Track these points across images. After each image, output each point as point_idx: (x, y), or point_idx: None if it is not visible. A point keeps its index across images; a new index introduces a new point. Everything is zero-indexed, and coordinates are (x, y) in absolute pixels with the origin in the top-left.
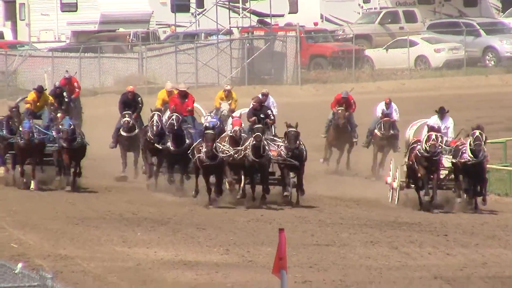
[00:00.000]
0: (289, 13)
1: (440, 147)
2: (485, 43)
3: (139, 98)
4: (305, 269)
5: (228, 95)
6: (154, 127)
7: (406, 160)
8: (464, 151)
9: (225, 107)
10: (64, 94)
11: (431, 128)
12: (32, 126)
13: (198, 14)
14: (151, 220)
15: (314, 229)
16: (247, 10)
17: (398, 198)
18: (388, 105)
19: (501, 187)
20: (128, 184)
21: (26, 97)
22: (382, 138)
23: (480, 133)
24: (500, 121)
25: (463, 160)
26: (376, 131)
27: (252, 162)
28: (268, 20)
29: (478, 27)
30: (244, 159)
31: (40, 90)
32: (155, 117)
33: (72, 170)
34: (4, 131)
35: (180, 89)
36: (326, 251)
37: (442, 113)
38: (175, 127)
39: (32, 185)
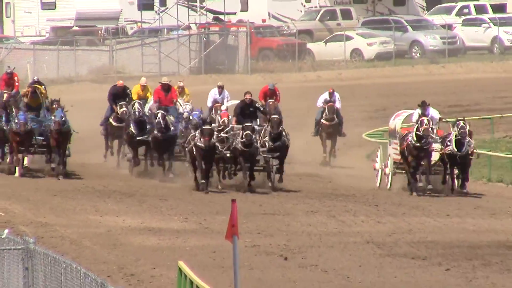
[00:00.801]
0: (240, 11)
1: (432, 131)
2: (412, 38)
3: (128, 90)
4: (254, 235)
5: (181, 92)
6: (137, 113)
7: (394, 148)
8: (449, 143)
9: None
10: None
11: (421, 115)
12: (26, 117)
13: (161, 12)
14: (119, 192)
15: (262, 200)
16: (204, 9)
17: (390, 183)
18: (331, 94)
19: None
20: (99, 162)
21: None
22: (329, 126)
23: (464, 123)
24: None
25: (447, 151)
26: (322, 120)
27: (242, 151)
28: (222, 17)
29: (406, 24)
30: (235, 149)
31: (39, 84)
32: (136, 105)
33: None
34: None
35: (163, 82)
36: (272, 219)
37: (423, 106)
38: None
39: (17, 173)
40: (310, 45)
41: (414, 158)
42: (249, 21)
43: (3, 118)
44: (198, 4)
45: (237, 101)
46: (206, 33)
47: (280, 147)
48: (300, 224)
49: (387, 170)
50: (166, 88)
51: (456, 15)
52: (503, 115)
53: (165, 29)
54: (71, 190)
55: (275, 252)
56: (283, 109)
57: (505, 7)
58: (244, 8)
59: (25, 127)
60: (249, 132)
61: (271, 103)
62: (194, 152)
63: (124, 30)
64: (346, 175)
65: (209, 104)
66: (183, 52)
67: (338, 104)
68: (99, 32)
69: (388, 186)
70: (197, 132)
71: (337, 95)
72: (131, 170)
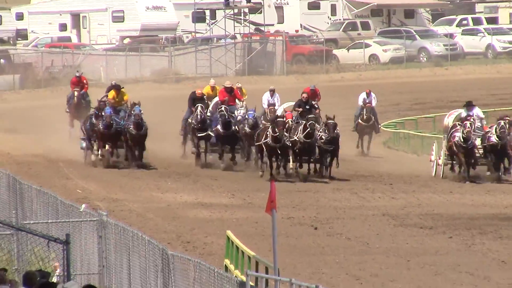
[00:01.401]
0: (277, 23)
1: (474, 134)
2: (420, 45)
3: (205, 96)
4: (290, 208)
5: (213, 90)
6: (199, 116)
7: (446, 143)
8: (491, 135)
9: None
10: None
11: (465, 118)
12: (112, 113)
13: (212, 24)
14: (177, 173)
15: (295, 180)
16: (247, 21)
17: (443, 172)
18: (368, 94)
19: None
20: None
21: (107, 95)
22: (365, 126)
23: (504, 122)
24: (430, 102)
25: (490, 143)
26: (359, 120)
27: (304, 143)
28: (262, 28)
29: (415, 33)
30: (297, 141)
31: (118, 88)
32: (199, 108)
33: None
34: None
35: (226, 85)
36: (304, 196)
37: (469, 105)
38: (226, 116)
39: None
40: (335, 51)
41: (462, 154)
42: (284, 31)
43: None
44: (242, 17)
45: (293, 103)
46: (249, 42)
47: (335, 140)
48: (328, 200)
49: (440, 161)
50: (229, 90)
51: (457, 26)
52: (496, 109)
53: (215, 38)
54: (138, 171)
55: (307, 223)
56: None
57: (497, 19)
58: (281, 20)
59: (110, 119)
60: (313, 122)
61: (313, 103)
62: (265, 146)
63: (181, 39)
64: (366, 159)
65: (265, 105)
66: (230, 57)
67: (374, 103)
68: (160, 40)
69: (441, 175)
70: (268, 127)
71: (373, 95)
72: (197, 163)
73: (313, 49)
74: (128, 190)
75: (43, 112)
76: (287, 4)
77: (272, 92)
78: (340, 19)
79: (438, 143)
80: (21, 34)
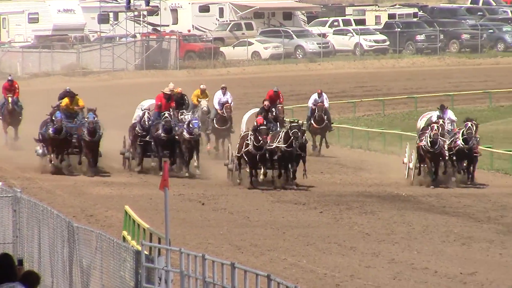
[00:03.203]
0: (172, 24)
1: (441, 136)
2: (296, 43)
3: (185, 96)
4: (180, 186)
5: (203, 92)
6: (146, 122)
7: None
8: (457, 139)
9: (204, 104)
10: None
11: (435, 121)
12: (62, 117)
13: (115, 25)
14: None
15: (270, 188)
16: (145, 22)
17: (413, 175)
18: (320, 95)
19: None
20: None
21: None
22: (317, 128)
23: (471, 124)
24: (305, 93)
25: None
26: (312, 122)
27: (284, 152)
28: (158, 28)
29: (292, 33)
30: (277, 149)
31: (72, 95)
32: (146, 114)
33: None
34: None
35: (165, 92)
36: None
37: (442, 109)
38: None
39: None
40: (222, 49)
41: (428, 158)
42: (178, 31)
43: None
44: (141, 19)
45: (257, 109)
46: (147, 40)
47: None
48: (214, 179)
49: (411, 165)
50: (167, 97)
51: (329, 26)
52: (362, 99)
53: (117, 37)
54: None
55: (195, 199)
56: (210, 97)
57: (364, 21)
58: (175, 22)
59: (61, 124)
60: (296, 130)
61: (280, 107)
62: (246, 154)
63: (88, 38)
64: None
65: (216, 105)
66: (130, 54)
67: (326, 103)
68: (70, 39)
69: (412, 178)
70: (249, 134)
71: (325, 96)
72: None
73: (203, 46)
74: (39, 169)
75: None
76: (181, 7)
77: (224, 89)
78: (226, 21)
79: (411, 145)
80: None
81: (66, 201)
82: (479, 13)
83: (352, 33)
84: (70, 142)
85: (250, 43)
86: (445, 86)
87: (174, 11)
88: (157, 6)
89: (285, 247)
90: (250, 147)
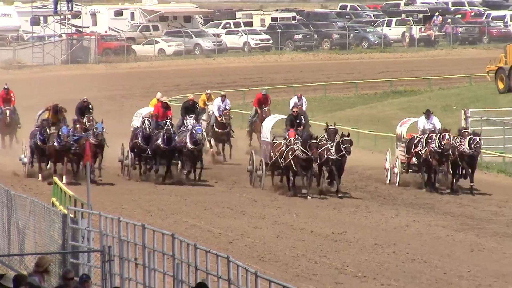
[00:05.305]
0: (92, 26)
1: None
2: (195, 42)
3: (197, 104)
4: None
5: (209, 97)
6: (147, 130)
7: (401, 150)
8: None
9: (211, 108)
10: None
11: (444, 129)
12: (69, 131)
13: (44, 26)
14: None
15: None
16: (70, 24)
17: (399, 180)
18: (299, 98)
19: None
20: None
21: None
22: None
23: (449, 135)
24: (202, 83)
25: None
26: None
27: (336, 161)
28: (81, 29)
29: (191, 33)
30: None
31: (56, 109)
32: (146, 122)
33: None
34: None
35: (161, 100)
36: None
37: (428, 114)
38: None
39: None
40: (133, 46)
41: (437, 161)
42: (97, 31)
43: (38, 136)
44: (66, 21)
45: (280, 116)
46: (71, 39)
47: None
48: None
49: (396, 170)
50: (165, 105)
51: (222, 28)
52: (250, 88)
53: (47, 37)
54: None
55: (114, 172)
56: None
57: (251, 23)
58: (94, 24)
59: (67, 139)
60: (348, 145)
61: (266, 110)
62: (294, 163)
63: (22, 37)
64: None
65: (216, 112)
66: (57, 51)
67: (304, 107)
68: (7, 38)
69: (397, 183)
70: (296, 145)
71: (304, 99)
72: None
73: (118, 45)
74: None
75: None
76: (99, 12)
77: (223, 98)
78: (137, 23)
79: (393, 151)
80: None
81: (4, 174)
82: (347, 16)
83: (241, 33)
84: (70, 152)
85: (157, 42)
86: (319, 77)
87: (93, 15)
88: (79, 11)
89: (186, 211)
90: (299, 156)
